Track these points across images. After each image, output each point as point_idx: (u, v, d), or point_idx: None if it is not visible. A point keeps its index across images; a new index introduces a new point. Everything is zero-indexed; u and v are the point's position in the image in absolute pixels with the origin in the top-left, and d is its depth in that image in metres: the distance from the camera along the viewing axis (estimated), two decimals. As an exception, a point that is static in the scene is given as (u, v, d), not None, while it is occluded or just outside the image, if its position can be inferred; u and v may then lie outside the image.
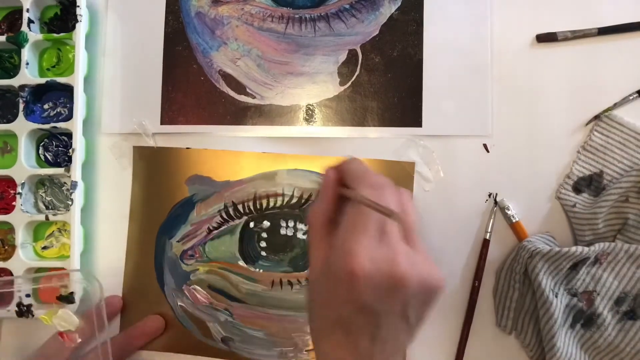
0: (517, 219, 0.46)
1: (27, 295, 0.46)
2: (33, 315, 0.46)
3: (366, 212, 0.31)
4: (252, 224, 0.48)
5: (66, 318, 0.43)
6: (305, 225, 0.47)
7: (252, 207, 0.48)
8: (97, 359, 0.42)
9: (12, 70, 0.50)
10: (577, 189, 0.46)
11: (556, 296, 0.42)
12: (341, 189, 0.34)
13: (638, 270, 0.43)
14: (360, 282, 0.29)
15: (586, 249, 0.42)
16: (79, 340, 0.43)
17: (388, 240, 0.30)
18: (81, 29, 0.47)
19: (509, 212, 0.46)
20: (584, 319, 0.44)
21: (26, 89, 0.48)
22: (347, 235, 0.31)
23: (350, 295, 0.29)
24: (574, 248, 0.42)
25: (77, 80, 0.47)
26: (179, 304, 0.48)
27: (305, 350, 0.47)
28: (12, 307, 0.46)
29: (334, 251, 0.31)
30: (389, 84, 0.48)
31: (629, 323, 0.43)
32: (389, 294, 0.29)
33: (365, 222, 0.30)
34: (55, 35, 0.48)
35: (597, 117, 0.46)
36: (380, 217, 0.31)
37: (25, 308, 0.46)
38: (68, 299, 0.45)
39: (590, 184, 0.45)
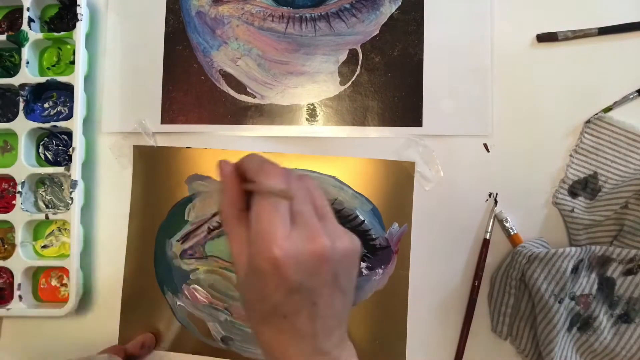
0: (515, 232, 0.46)
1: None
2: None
3: (272, 200, 0.31)
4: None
5: None
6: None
7: (252, 207, 0.47)
8: None
9: (13, 69, 0.50)
10: (573, 192, 0.46)
11: (560, 301, 0.42)
12: (243, 184, 0.34)
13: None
14: (285, 265, 0.29)
15: (579, 249, 0.42)
16: None
17: (301, 220, 0.31)
18: (81, 28, 0.47)
19: (507, 225, 0.46)
20: (581, 322, 0.44)
21: (26, 87, 0.48)
22: (259, 225, 0.31)
23: (279, 281, 0.30)
24: (568, 249, 0.42)
25: (77, 79, 0.47)
26: (178, 303, 0.48)
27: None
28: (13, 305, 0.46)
29: (252, 244, 0.31)
30: (389, 83, 0.48)
31: (624, 326, 0.43)
32: (316, 269, 0.30)
33: (274, 208, 0.31)
34: (55, 34, 0.48)
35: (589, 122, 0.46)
36: (287, 202, 0.32)
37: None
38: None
39: (586, 186, 0.45)
